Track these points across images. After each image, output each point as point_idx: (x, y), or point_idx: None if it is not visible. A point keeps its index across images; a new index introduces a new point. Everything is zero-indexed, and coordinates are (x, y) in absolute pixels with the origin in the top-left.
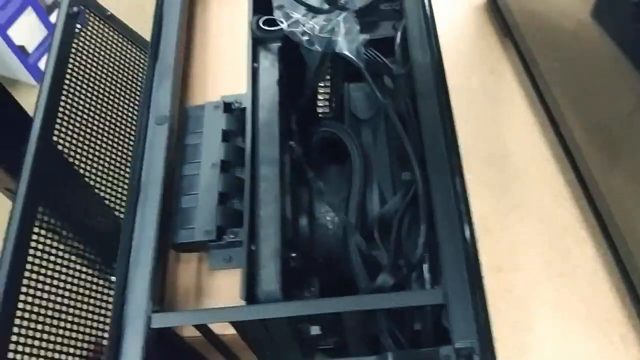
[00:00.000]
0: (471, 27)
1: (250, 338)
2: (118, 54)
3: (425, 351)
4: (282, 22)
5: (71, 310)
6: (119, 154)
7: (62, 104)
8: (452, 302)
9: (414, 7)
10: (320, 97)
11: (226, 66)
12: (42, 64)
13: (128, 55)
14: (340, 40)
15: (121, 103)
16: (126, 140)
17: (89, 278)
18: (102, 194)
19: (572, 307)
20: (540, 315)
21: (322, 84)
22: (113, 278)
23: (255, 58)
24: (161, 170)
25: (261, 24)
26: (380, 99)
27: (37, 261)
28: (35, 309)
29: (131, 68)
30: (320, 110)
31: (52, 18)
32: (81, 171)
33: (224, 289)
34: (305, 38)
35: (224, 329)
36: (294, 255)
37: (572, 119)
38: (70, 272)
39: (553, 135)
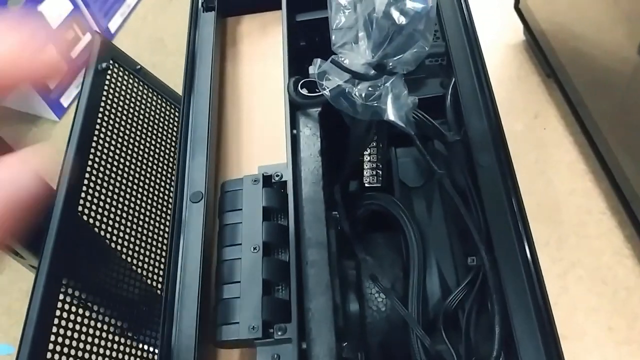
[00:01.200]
0: (510, 68)
1: None
2: (148, 112)
3: None
4: (324, 88)
5: None
6: (149, 221)
7: (88, 170)
8: None
9: (463, 62)
10: (365, 165)
11: (261, 131)
12: (64, 100)
13: (159, 113)
14: (389, 107)
15: (153, 166)
16: (156, 207)
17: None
18: (131, 262)
19: None
20: None
21: (367, 151)
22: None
23: (293, 125)
24: (199, 257)
25: (299, 89)
26: (435, 169)
27: (60, 340)
28: None
29: (162, 127)
30: (366, 180)
31: (73, 53)
32: (108, 241)
33: None
34: (351, 106)
35: None
36: (345, 344)
37: (629, 166)
38: (96, 347)
39: (608, 185)
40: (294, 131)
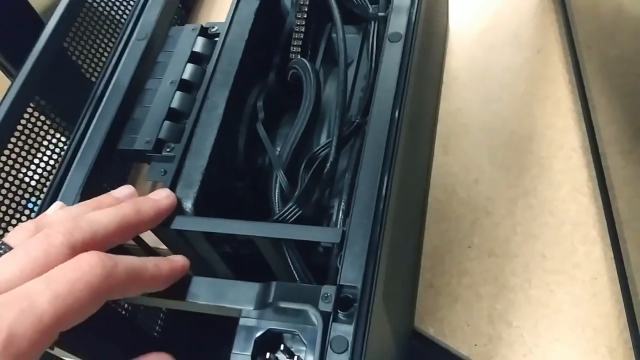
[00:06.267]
0: (529, 4)
1: (177, 252)
2: None
3: (309, 287)
4: None
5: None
6: None
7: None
8: (349, 244)
9: None
10: (294, 35)
11: None
12: None
13: None
14: None
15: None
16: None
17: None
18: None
19: (561, 308)
20: (523, 311)
21: (302, 23)
22: None
23: None
24: (127, 81)
25: None
26: (339, 35)
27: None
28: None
29: None
30: (292, 53)
31: None
32: (87, 75)
33: None
34: None
35: (158, 243)
36: (241, 184)
37: (602, 113)
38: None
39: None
40: None
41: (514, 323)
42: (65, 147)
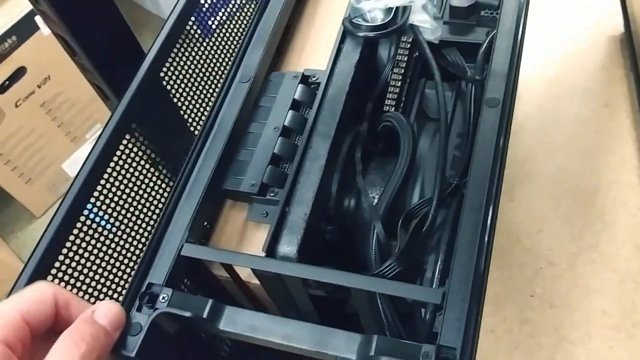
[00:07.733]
0: (599, 56)
1: (270, 290)
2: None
3: (410, 344)
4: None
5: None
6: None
7: (178, 44)
8: (449, 306)
9: (510, 17)
10: (389, 90)
11: (326, 42)
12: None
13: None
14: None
15: (226, 53)
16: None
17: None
18: (190, 124)
19: None
20: None
21: (393, 79)
22: None
23: (343, 39)
24: (231, 123)
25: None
26: (440, 95)
27: (120, 162)
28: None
29: (242, 18)
30: (386, 106)
31: None
32: (179, 104)
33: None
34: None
35: (250, 277)
36: (330, 227)
37: None
38: (146, 181)
39: None
40: (341, 45)
41: None
42: (151, 170)
